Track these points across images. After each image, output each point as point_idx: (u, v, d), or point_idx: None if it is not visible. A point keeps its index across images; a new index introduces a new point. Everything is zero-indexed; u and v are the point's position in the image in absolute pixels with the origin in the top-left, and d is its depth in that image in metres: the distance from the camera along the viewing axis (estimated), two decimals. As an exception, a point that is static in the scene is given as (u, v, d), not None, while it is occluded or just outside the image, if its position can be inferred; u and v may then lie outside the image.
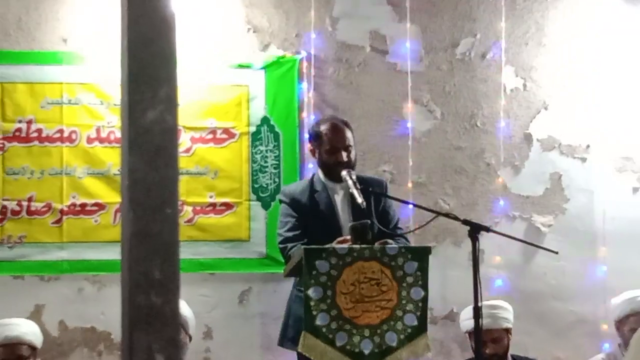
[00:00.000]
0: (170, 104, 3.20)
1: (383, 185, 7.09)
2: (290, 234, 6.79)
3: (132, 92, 3.42)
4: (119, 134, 7.23)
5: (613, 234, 7.99)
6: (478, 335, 6.56)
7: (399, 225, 6.94)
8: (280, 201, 6.95)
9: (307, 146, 7.45)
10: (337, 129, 6.94)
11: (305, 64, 7.73)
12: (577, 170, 8.07)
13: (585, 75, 8.00)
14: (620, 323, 7.29)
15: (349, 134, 6.91)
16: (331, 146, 6.88)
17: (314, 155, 6.98)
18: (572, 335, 7.90)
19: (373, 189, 6.84)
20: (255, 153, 7.64)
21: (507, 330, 7.18)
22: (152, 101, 3.18)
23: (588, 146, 8.07)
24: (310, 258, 6.44)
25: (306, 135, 7.54)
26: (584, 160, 8.08)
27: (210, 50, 7.55)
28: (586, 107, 8.01)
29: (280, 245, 6.85)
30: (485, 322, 6.69)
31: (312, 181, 6.95)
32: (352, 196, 6.61)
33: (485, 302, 6.63)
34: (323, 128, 6.94)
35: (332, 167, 6.84)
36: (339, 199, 6.84)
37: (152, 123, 3.14)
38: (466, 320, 6.99)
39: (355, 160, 6.89)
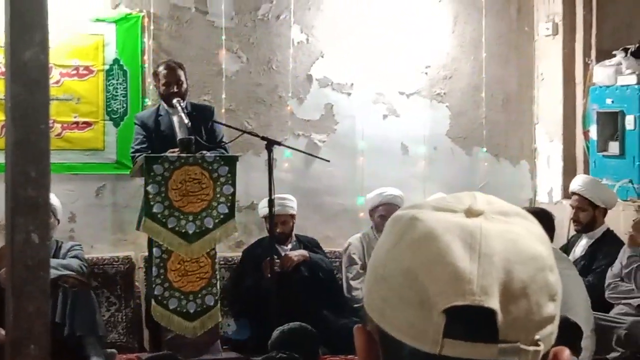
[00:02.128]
0: (44, 46, 3.19)
1: (212, 110, 7.17)
2: (138, 146, 6.86)
3: (14, 36, 3.40)
4: (4, 69, 7.09)
5: (368, 147, 8.13)
6: (271, 219, 6.69)
7: (224, 140, 6.99)
8: (135, 123, 7.00)
9: (148, 81, 7.48)
10: (171, 68, 6.99)
11: (146, 19, 7.66)
12: (343, 102, 8.15)
13: (351, 32, 8.07)
14: (372, 211, 7.45)
15: (180, 72, 6.95)
16: (166, 81, 6.91)
17: (157, 88, 7.04)
18: (338, 220, 8.04)
19: (203, 114, 6.93)
20: (109, 85, 7.54)
21: (292, 216, 7.32)
22: (29, 43, 3.16)
23: (352, 84, 8.15)
24: (149, 163, 6.47)
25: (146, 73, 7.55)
26: (349, 94, 8.16)
27: (75, 6, 7.38)
28: (351, 56, 8.08)
29: (131, 154, 6.92)
30: (276, 209, 6.82)
31: (158, 108, 7.00)
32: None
33: (276, 195, 6.76)
34: (160, 68, 7.02)
35: (167, 97, 6.87)
36: (176, 120, 6.86)
37: (29, 60, 3.12)
38: (263, 208, 7.09)
39: (185, 92, 6.93)
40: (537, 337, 1.07)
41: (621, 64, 7.76)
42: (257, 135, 6.93)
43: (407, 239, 1.10)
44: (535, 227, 1.11)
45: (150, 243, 6.71)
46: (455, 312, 1.05)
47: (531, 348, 1.06)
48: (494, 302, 1.05)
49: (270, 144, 6.65)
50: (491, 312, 1.05)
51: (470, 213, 1.09)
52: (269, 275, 6.62)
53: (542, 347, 1.07)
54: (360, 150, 8.13)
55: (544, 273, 1.08)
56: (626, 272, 6.39)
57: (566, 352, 1.10)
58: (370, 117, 8.17)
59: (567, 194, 7.77)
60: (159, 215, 6.41)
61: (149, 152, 6.70)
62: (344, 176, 8.05)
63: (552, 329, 1.09)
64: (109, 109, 7.54)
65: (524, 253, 1.07)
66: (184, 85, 6.90)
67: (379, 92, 8.20)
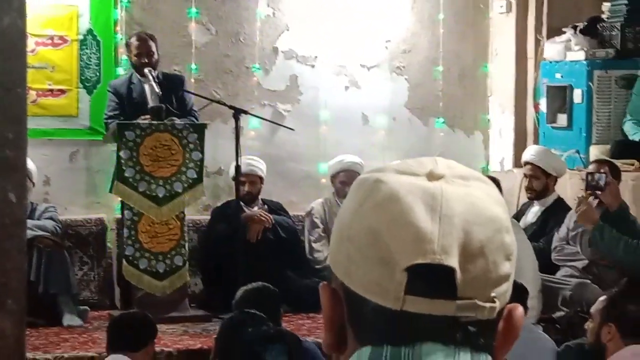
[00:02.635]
0: (21, 12, 3.15)
1: (183, 80, 7.15)
2: (111, 113, 6.84)
3: (-8, 3, 3.35)
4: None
5: (331, 117, 8.12)
6: (237, 183, 6.70)
7: (194, 109, 6.97)
8: (108, 91, 6.97)
9: (121, 51, 7.43)
10: (142, 39, 6.96)
11: (119, -8, 7.60)
12: (308, 73, 8.12)
13: (315, 7, 8.04)
14: (333, 178, 7.46)
15: (151, 43, 6.90)
16: (138, 52, 6.88)
17: (130, 58, 7.02)
18: (302, 186, 8.05)
19: (174, 83, 6.90)
20: (82, 55, 7.47)
21: (261, 178, 7.29)
22: (7, 10, 3.12)
23: (316, 57, 8.13)
24: (122, 129, 6.46)
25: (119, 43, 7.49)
26: (313, 66, 8.15)
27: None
28: (316, 30, 8.06)
29: (104, 121, 6.89)
30: (246, 169, 6.85)
31: (130, 77, 6.97)
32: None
33: (248, 156, 6.80)
34: (132, 39, 6.99)
35: (139, 67, 6.83)
36: (148, 89, 6.82)
37: (8, 27, 3.08)
38: (231, 169, 7.04)
39: (157, 62, 6.89)
40: (493, 294, 1.08)
41: (570, 40, 7.81)
42: (225, 104, 6.92)
43: (371, 201, 1.10)
44: (493, 190, 1.12)
45: (122, 206, 6.70)
46: (417, 270, 1.06)
47: (487, 304, 1.07)
48: (453, 261, 1.06)
49: (238, 112, 6.65)
50: (451, 270, 1.06)
51: (432, 176, 1.10)
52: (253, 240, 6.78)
53: (497, 304, 1.08)
54: (323, 119, 8.12)
55: (501, 234, 1.09)
56: (572, 235, 6.45)
57: (519, 308, 1.11)
58: (332, 88, 8.16)
59: (518, 164, 7.82)
60: (130, 180, 6.39)
61: (122, 119, 6.67)
62: (307, 144, 8.04)
63: (507, 287, 1.10)
64: (83, 78, 7.47)
65: (482, 215, 1.08)
66: (155, 56, 6.87)
67: (342, 65, 8.19)
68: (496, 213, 1.10)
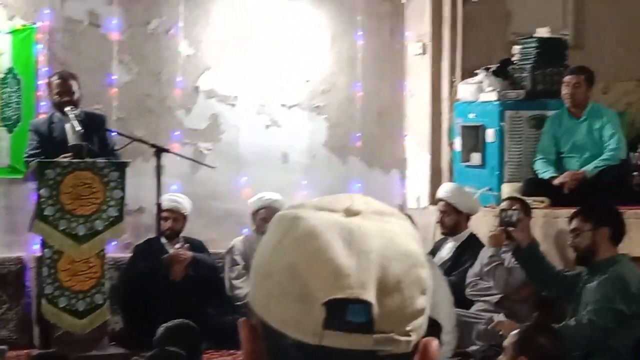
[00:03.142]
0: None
1: (104, 119, 7.10)
2: (32, 152, 6.77)
3: None
4: None
5: (251, 155, 8.13)
6: (159, 220, 6.65)
7: (115, 147, 6.92)
8: (29, 130, 6.88)
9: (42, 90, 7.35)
10: (63, 78, 6.92)
11: (41, 31, 7.51)
12: (229, 113, 8.12)
13: (236, 48, 8.07)
14: (254, 214, 7.45)
15: (72, 82, 6.86)
16: (59, 90, 6.82)
17: (51, 97, 6.96)
18: (223, 223, 8.00)
19: (95, 122, 6.84)
20: (3, 93, 7.36)
21: (184, 217, 7.28)
22: None
23: (236, 96, 8.14)
24: (42, 167, 6.37)
25: (40, 82, 7.40)
26: (233, 105, 8.15)
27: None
28: (236, 70, 8.08)
29: (25, 159, 6.82)
30: (170, 205, 6.85)
31: (51, 116, 6.92)
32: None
33: (169, 195, 6.81)
34: (53, 78, 6.95)
35: (60, 105, 6.77)
36: (69, 127, 6.75)
37: None
38: (165, 201, 7.00)
39: (78, 101, 6.83)
40: (409, 328, 1.09)
41: (483, 82, 7.93)
42: (146, 143, 6.89)
43: (290, 237, 1.10)
44: (408, 226, 1.13)
45: (42, 244, 6.59)
46: (335, 305, 1.06)
47: (404, 338, 1.08)
48: (370, 295, 1.06)
49: (159, 151, 6.63)
50: (368, 305, 1.06)
51: (349, 213, 1.10)
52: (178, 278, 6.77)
53: (413, 338, 1.09)
54: (243, 158, 8.12)
55: (417, 269, 1.10)
56: (486, 270, 6.52)
57: (435, 342, 1.12)
58: (253, 127, 8.17)
59: (433, 201, 7.89)
60: (50, 218, 6.30)
61: (43, 157, 6.58)
62: (228, 182, 8.02)
63: (423, 321, 1.11)
64: (3, 116, 7.35)
65: (398, 250, 1.09)
66: (76, 95, 6.80)
67: (262, 104, 8.21)
68: (412, 248, 1.11)
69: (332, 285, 1.06)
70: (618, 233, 5.46)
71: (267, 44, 8.17)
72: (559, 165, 7.49)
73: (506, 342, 4.42)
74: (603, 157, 7.30)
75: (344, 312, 1.06)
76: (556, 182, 7.27)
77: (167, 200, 7.02)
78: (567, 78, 7.47)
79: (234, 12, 8.10)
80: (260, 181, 7.92)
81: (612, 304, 5.20)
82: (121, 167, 6.56)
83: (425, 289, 1.11)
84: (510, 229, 5.98)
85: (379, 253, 1.08)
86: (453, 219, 7.06)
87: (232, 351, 6.56)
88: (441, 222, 7.13)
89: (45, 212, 6.29)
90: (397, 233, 1.10)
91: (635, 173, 7.38)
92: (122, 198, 6.50)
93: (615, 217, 5.53)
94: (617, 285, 5.25)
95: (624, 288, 5.25)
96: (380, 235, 1.09)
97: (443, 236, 7.23)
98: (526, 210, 6.44)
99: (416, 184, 8.54)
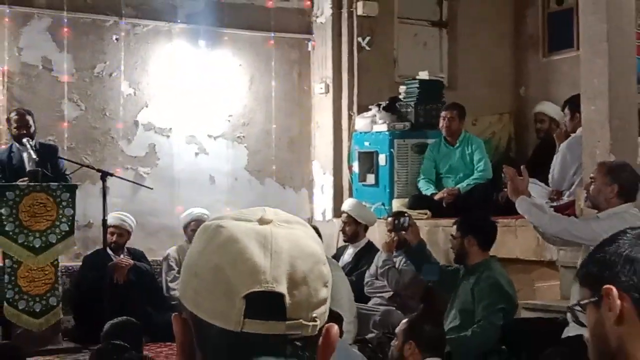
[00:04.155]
0: None
1: (57, 148, 7.00)
2: (-6, 179, 6.56)
3: None
4: None
5: (183, 178, 8.07)
6: (105, 233, 6.54)
7: (67, 172, 6.80)
8: (-10, 160, 6.74)
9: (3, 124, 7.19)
10: (21, 114, 6.79)
11: (0, 74, 7.36)
12: (164, 142, 8.05)
13: (170, 88, 8.02)
14: (185, 227, 7.38)
15: (28, 117, 6.74)
16: (17, 125, 6.69)
17: (10, 131, 6.82)
18: (160, 235, 7.89)
19: (49, 151, 6.72)
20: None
21: (129, 232, 7.18)
22: None
23: (171, 129, 8.09)
24: (3, 190, 6.23)
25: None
26: (168, 137, 8.09)
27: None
28: (170, 106, 8.03)
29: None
30: (116, 222, 6.77)
31: (11, 146, 6.78)
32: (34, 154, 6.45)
33: (117, 213, 6.73)
34: (12, 114, 6.83)
35: (18, 138, 6.64)
36: (26, 156, 6.60)
37: None
38: (112, 217, 6.91)
39: (34, 133, 6.71)
40: (314, 315, 1.10)
41: (375, 116, 8.02)
42: (93, 168, 6.81)
43: (214, 243, 1.10)
44: (310, 231, 1.15)
45: (3, 255, 6.42)
46: (253, 297, 1.06)
47: (310, 324, 1.09)
48: (282, 288, 1.07)
49: (104, 175, 6.54)
50: (281, 296, 1.07)
51: (262, 221, 1.11)
52: (121, 281, 6.72)
53: (318, 323, 1.10)
54: (176, 180, 8.05)
55: (319, 265, 1.11)
56: (381, 271, 6.57)
57: (335, 327, 1.13)
58: (184, 154, 8.12)
59: (336, 214, 7.93)
60: (10, 233, 6.16)
61: (3, 181, 6.43)
62: (164, 200, 7.94)
63: (325, 309, 1.12)
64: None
65: (304, 251, 1.10)
66: (32, 128, 6.68)
67: (192, 135, 8.16)
68: (315, 249, 1.12)
69: (251, 280, 1.07)
70: (485, 240, 5.38)
71: (195, 85, 8.14)
72: (438, 183, 7.62)
73: (397, 330, 4.45)
74: (474, 176, 7.45)
75: (262, 303, 1.07)
76: (436, 197, 7.39)
77: (114, 217, 6.95)
78: (443, 113, 7.61)
79: (167, 58, 8.06)
80: (190, 199, 7.86)
81: (497, 305, 5.14)
82: (72, 189, 6.43)
83: (327, 282, 1.12)
84: (403, 232, 6.04)
85: (288, 253, 1.09)
86: (353, 229, 7.11)
87: (168, 343, 6.48)
88: (343, 231, 7.16)
89: (6, 228, 6.14)
90: (301, 237, 1.11)
91: (505, 189, 7.53)
92: (73, 215, 6.38)
93: (480, 227, 5.43)
94: (494, 289, 5.18)
95: (500, 290, 5.19)
96: (288, 239, 1.10)
97: (345, 243, 7.26)
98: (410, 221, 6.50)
99: (322, 200, 8.58)
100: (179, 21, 8.07)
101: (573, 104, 6.36)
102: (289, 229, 1.12)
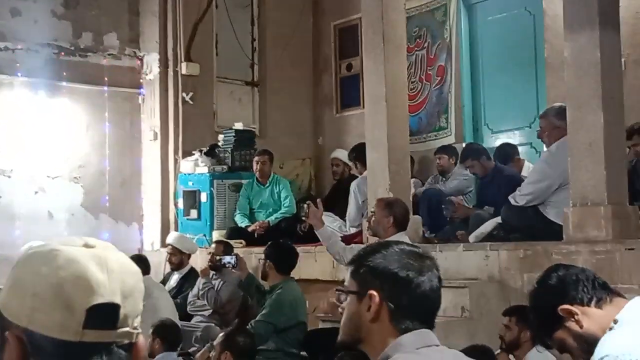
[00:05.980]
0: None
1: None
2: None
3: None
4: None
5: (24, 214, 7.70)
6: None
7: None
8: None
9: None
10: None
11: None
12: (6, 182, 7.70)
13: (13, 133, 7.65)
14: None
15: None
16: None
17: None
18: (1, 267, 7.46)
19: None
20: None
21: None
22: None
23: (12, 169, 7.74)
24: None
25: None
26: (10, 177, 7.73)
27: None
28: (12, 150, 7.68)
29: None
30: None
31: None
32: None
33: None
34: None
35: None
36: None
37: None
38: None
39: None
40: (135, 324, 1.14)
41: (197, 159, 8.03)
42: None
43: (54, 264, 1.08)
44: (122, 254, 1.18)
45: None
46: (93, 309, 1.07)
47: (134, 331, 1.11)
48: (119, 300, 1.09)
49: None
50: (117, 307, 1.08)
51: (87, 246, 1.12)
52: None
53: (139, 331, 1.15)
54: (17, 216, 7.70)
55: (140, 282, 1.17)
56: (201, 293, 6.56)
57: (142, 337, 1.15)
58: (25, 193, 7.80)
59: (164, 245, 7.83)
60: None
61: None
62: (5, 234, 7.55)
63: (140, 319, 1.16)
64: None
65: (129, 269, 1.13)
66: None
67: (32, 175, 7.87)
68: (136, 268, 1.17)
69: (94, 294, 1.06)
70: (280, 265, 5.30)
71: (36, 130, 7.87)
72: (251, 217, 7.73)
73: (216, 342, 4.48)
74: (281, 211, 7.63)
75: (99, 314, 1.06)
76: (250, 229, 7.51)
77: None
78: (256, 157, 7.76)
79: (10, 105, 7.74)
80: (31, 233, 7.49)
81: (267, 318, 5.11)
82: None
83: (143, 296, 1.14)
84: (234, 271, 5.83)
85: (119, 271, 1.10)
86: (178, 258, 7.04)
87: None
88: (169, 260, 7.08)
89: None
90: (125, 258, 1.13)
91: (304, 221, 7.71)
92: None
93: (276, 254, 5.32)
94: (273, 305, 5.15)
95: (278, 308, 5.14)
96: (117, 260, 1.11)
97: (171, 270, 7.18)
98: (228, 249, 6.48)
99: (150, 233, 8.45)
100: (19, 75, 7.75)
101: (354, 153, 6.76)
102: (111, 252, 1.13)
